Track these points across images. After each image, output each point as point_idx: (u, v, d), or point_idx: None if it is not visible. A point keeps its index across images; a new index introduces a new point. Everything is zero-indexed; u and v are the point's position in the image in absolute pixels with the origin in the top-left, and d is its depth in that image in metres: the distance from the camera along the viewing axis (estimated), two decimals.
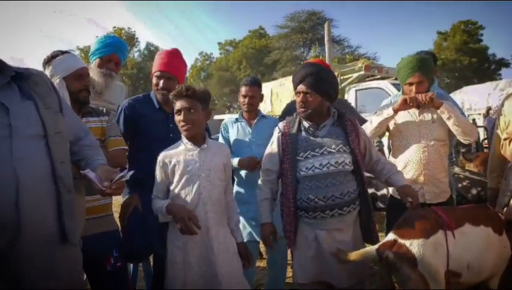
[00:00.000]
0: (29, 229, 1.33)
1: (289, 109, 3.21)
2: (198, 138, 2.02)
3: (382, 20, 65.61)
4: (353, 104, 6.94)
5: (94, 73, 2.65)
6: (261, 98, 2.99)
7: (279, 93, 9.03)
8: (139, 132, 2.46)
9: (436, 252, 1.84)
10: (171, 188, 2.00)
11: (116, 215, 2.26)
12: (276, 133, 2.24)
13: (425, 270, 1.81)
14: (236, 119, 2.97)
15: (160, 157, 2.02)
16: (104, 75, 2.66)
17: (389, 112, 2.46)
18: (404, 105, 2.40)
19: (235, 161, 2.69)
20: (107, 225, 2.10)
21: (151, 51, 38.04)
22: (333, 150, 2.06)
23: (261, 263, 3.77)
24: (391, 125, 2.56)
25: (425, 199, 2.39)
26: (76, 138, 1.65)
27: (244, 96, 2.88)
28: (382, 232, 3.22)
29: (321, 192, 2.03)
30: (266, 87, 8.45)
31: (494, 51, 33.18)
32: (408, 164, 2.45)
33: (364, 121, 2.87)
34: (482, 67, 31.05)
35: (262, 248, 3.55)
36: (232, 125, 2.96)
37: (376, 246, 1.95)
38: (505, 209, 2.23)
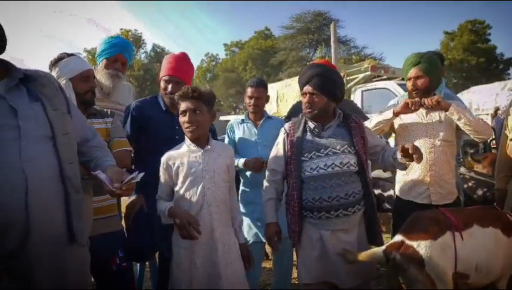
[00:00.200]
0: (38, 229, 1.35)
1: (295, 110, 3.20)
2: (202, 139, 2.03)
3: (388, 20, 65.33)
4: (359, 105, 6.92)
5: (101, 74, 2.67)
6: (267, 99, 2.99)
7: (285, 94, 9.02)
8: (145, 133, 2.48)
9: (444, 254, 1.83)
10: (176, 189, 2.01)
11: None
12: (281, 134, 2.25)
13: (433, 272, 1.80)
14: (242, 120, 2.97)
15: (164, 158, 2.03)
16: (111, 75, 2.68)
17: (389, 114, 2.45)
18: (406, 109, 2.39)
19: (241, 162, 2.70)
20: (112, 225, 2.11)
21: (157, 52, 38.21)
22: (338, 151, 2.07)
23: (267, 264, 3.77)
24: (397, 125, 2.55)
25: (431, 200, 2.37)
26: (84, 139, 1.67)
27: (250, 98, 2.88)
28: (389, 233, 3.21)
29: (326, 192, 2.04)
30: (272, 88, 8.44)
31: (502, 50, 32.84)
32: (414, 164, 2.43)
33: None
34: (490, 67, 30.74)
35: (268, 248, 3.55)
36: (238, 126, 2.96)
37: (383, 247, 1.95)
38: None
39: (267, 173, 2.29)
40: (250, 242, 2.69)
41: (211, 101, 2.04)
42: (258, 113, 2.92)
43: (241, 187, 2.88)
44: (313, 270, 2.11)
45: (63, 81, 2.02)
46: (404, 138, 2.51)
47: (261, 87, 2.90)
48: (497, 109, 10.69)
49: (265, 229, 2.22)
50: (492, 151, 6.39)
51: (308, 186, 2.09)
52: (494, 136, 6.93)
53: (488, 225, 1.99)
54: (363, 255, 1.96)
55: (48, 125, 1.43)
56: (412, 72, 2.43)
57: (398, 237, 1.92)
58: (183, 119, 1.98)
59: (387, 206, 3.42)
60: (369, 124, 2.52)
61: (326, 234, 2.07)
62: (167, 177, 2.02)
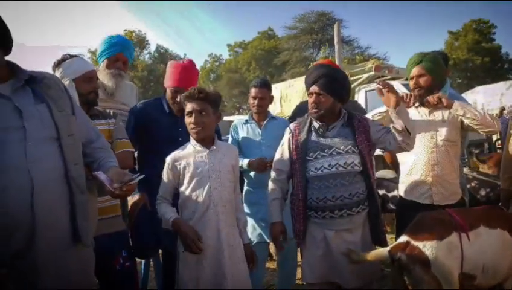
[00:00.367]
0: (43, 230, 1.35)
1: (299, 110, 3.19)
2: (208, 140, 2.03)
3: (392, 20, 65.14)
4: (363, 105, 6.90)
5: (103, 75, 2.67)
6: (270, 99, 2.99)
7: (288, 95, 9.01)
8: (149, 135, 2.49)
9: (450, 254, 1.82)
10: (182, 190, 2.01)
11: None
12: (287, 134, 2.26)
13: (439, 273, 1.79)
14: (246, 120, 2.97)
15: (169, 159, 2.03)
16: (114, 75, 2.68)
17: (384, 107, 2.45)
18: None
19: (245, 162, 2.70)
20: (115, 225, 2.12)
21: (161, 53, 38.32)
22: (342, 151, 2.07)
23: (271, 265, 3.77)
24: None
25: (434, 200, 2.36)
26: (88, 140, 1.67)
27: (254, 98, 2.88)
28: (393, 234, 3.20)
29: (330, 192, 2.05)
30: (276, 89, 8.43)
31: (507, 50, 32.56)
32: (416, 164, 2.42)
33: None
34: (494, 67, 30.55)
35: (272, 249, 3.55)
36: (241, 127, 2.96)
37: (388, 248, 1.94)
38: None
39: (272, 172, 2.30)
40: (254, 243, 2.68)
41: (217, 103, 2.05)
42: (262, 114, 2.92)
43: (245, 188, 2.88)
44: (316, 269, 2.12)
45: (66, 82, 2.03)
46: None
47: (265, 87, 2.90)
48: (502, 109, 10.64)
49: (270, 228, 2.23)
50: (498, 151, 6.36)
51: (312, 186, 2.10)
52: (499, 136, 6.90)
53: (495, 226, 1.97)
54: (367, 256, 1.96)
55: (53, 126, 1.44)
56: (415, 70, 2.43)
57: (404, 238, 1.91)
58: (189, 120, 1.98)
59: (392, 206, 3.41)
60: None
61: (330, 233, 2.08)
62: (171, 177, 2.02)
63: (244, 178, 2.86)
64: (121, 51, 2.76)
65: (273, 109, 8.48)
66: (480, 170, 4.28)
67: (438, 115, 2.41)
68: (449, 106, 2.29)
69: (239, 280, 1.98)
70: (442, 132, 2.37)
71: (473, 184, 3.34)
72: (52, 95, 1.50)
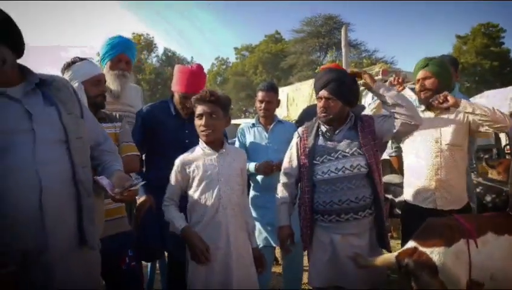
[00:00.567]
0: (53, 231, 1.37)
1: (306, 114, 3.19)
2: (217, 143, 2.04)
3: (400, 24, 64.92)
4: None
5: (108, 77, 2.69)
6: (277, 103, 2.99)
7: (295, 98, 8.99)
8: (156, 137, 2.51)
9: (458, 261, 1.80)
10: (190, 192, 2.01)
11: None
12: (295, 138, 2.28)
13: (447, 279, 1.77)
14: (253, 124, 2.98)
15: (178, 161, 2.04)
16: (118, 76, 2.70)
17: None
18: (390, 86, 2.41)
19: (251, 166, 2.70)
20: (121, 226, 2.13)
21: (168, 56, 38.58)
22: (347, 154, 2.07)
23: (277, 269, 3.75)
24: None
25: (437, 205, 2.34)
26: (96, 143, 1.68)
27: (261, 102, 2.88)
28: (399, 239, 3.17)
29: (336, 196, 2.05)
30: (282, 92, 8.42)
31: None
32: (420, 168, 2.41)
33: None
34: (503, 71, 30.23)
35: (278, 253, 3.54)
36: (248, 130, 2.97)
37: (396, 253, 1.93)
38: None
39: (281, 176, 2.31)
40: (260, 246, 2.68)
41: (227, 106, 2.06)
42: (269, 117, 2.93)
43: (252, 191, 2.88)
44: (323, 274, 2.12)
45: (75, 84, 2.05)
46: (410, 142, 2.49)
47: (272, 91, 2.90)
48: (511, 114, 10.53)
49: (278, 232, 2.24)
50: (506, 157, 6.28)
51: (319, 190, 2.11)
52: (508, 141, 6.81)
53: (503, 233, 1.95)
54: (374, 261, 1.95)
55: (62, 129, 1.45)
56: (421, 73, 2.44)
57: (411, 244, 1.90)
58: (199, 122, 1.99)
59: (399, 211, 3.38)
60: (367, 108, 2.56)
61: (337, 238, 2.08)
62: (180, 179, 2.03)
63: (251, 182, 2.87)
64: (122, 51, 2.76)
65: (280, 112, 8.47)
66: (489, 175, 4.23)
67: (444, 119, 2.40)
68: (456, 104, 2.25)
69: (247, 284, 1.98)
70: (448, 136, 2.35)
71: (478, 189, 3.31)
72: (62, 98, 1.52)
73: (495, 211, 2.61)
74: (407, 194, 2.50)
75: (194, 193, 2.00)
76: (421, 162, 2.41)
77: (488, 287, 1.89)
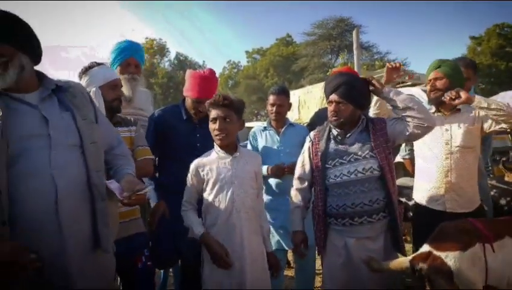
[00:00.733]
0: (69, 235, 1.40)
1: (317, 117, 3.19)
2: (231, 146, 2.05)
3: (412, 25, 64.27)
4: None
5: None
6: (289, 106, 3.00)
7: (306, 101, 8.96)
8: (167, 141, 2.53)
9: (474, 266, 1.77)
10: (205, 195, 2.03)
11: None
12: (307, 142, 2.28)
13: (462, 284, 1.74)
14: (265, 127, 2.99)
15: (193, 165, 2.06)
16: (128, 80, 2.72)
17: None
18: (391, 73, 2.42)
19: (263, 169, 2.70)
20: (136, 227, 2.16)
21: (180, 60, 38.90)
22: (359, 157, 2.06)
23: (289, 272, 3.74)
24: None
25: (446, 207, 2.33)
26: (109, 147, 1.71)
27: (272, 105, 2.89)
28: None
29: (349, 199, 2.04)
30: (294, 95, 8.39)
31: None
32: (430, 170, 2.40)
33: None
34: None
35: (290, 256, 3.53)
36: (260, 134, 2.98)
37: (410, 258, 1.90)
38: None
39: (294, 181, 2.31)
40: (273, 249, 2.68)
41: (241, 110, 2.07)
42: (280, 121, 2.93)
43: (264, 195, 2.88)
44: (337, 277, 2.11)
45: (92, 89, 2.09)
46: (421, 144, 2.47)
47: (283, 94, 2.91)
48: None
49: (291, 237, 2.23)
50: None
51: (332, 193, 2.10)
52: None
53: None
54: (388, 265, 1.93)
55: (76, 134, 1.48)
56: (432, 74, 2.44)
57: (426, 248, 1.87)
58: (213, 126, 2.01)
59: (412, 215, 3.34)
60: (372, 107, 2.55)
61: (351, 241, 2.07)
62: (195, 183, 2.05)
63: (263, 185, 2.87)
64: (131, 55, 2.78)
65: (292, 115, 8.46)
66: (506, 178, 4.15)
67: (454, 121, 2.38)
68: (469, 100, 2.20)
69: (260, 287, 1.98)
70: (458, 138, 2.33)
71: (492, 192, 3.25)
72: (77, 104, 1.55)
73: (511, 215, 2.56)
74: (417, 196, 2.50)
75: (208, 195, 2.01)
76: (431, 164, 2.40)
77: None
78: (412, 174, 3.83)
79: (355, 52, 8.52)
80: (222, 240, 1.94)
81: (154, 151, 2.42)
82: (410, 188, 3.50)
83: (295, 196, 2.27)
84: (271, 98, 2.91)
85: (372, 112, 2.53)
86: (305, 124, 3.58)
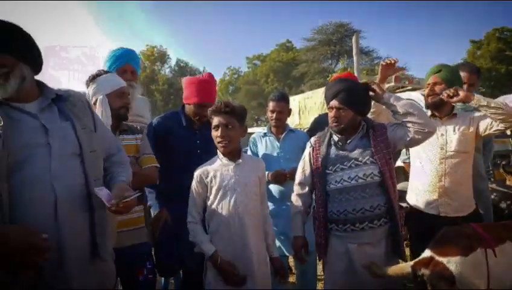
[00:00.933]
0: (67, 243, 1.40)
1: (317, 123, 3.19)
2: (234, 153, 2.05)
3: (412, 30, 64.49)
4: None
5: None
6: (289, 112, 3.00)
7: (307, 106, 8.99)
8: (168, 148, 2.53)
9: (476, 271, 1.76)
10: (208, 203, 2.03)
11: None
12: (308, 148, 2.28)
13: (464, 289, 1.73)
14: (265, 133, 2.99)
15: (197, 172, 2.06)
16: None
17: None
18: (386, 70, 2.41)
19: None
20: (141, 236, 2.16)
21: (181, 67, 39.06)
22: (360, 163, 2.06)
23: (291, 278, 3.72)
24: None
25: (440, 211, 2.34)
26: (108, 155, 1.72)
27: (272, 112, 2.90)
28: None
29: (350, 205, 2.04)
30: (294, 100, 8.43)
31: None
32: (424, 174, 2.41)
33: None
34: None
35: (291, 262, 3.51)
36: (260, 140, 2.98)
37: (411, 263, 1.89)
38: None
39: (295, 186, 2.31)
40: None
41: (243, 116, 2.07)
42: (280, 127, 2.94)
43: None
44: (339, 283, 2.10)
45: (99, 96, 2.11)
46: (416, 147, 2.46)
47: (283, 101, 2.92)
48: None
49: (292, 242, 2.23)
50: None
51: (333, 199, 2.10)
52: None
53: None
54: (390, 270, 1.92)
55: (76, 143, 1.49)
56: (431, 78, 2.44)
57: (427, 253, 1.87)
58: (215, 133, 2.01)
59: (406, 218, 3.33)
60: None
61: (352, 247, 2.06)
62: (200, 190, 2.04)
63: None
64: (126, 61, 2.77)
65: (292, 120, 8.48)
66: (508, 182, 4.13)
67: (450, 125, 2.39)
68: (468, 98, 2.20)
69: None
70: (453, 142, 2.35)
71: (492, 196, 3.24)
72: (77, 113, 1.56)
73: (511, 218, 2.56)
74: (411, 199, 2.52)
75: (211, 202, 2.02)
76: (426, 168, 2.42)
77: None
78: None
79: (354, 57, 8.54)
80: (226, 246, 1.95)
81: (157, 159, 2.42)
82: None
83: (296, 201, 2.27)
84: (271, 105, 2.92)
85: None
86: (305, 130, 3.58)
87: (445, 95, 2.25)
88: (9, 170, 1.33)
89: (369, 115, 2.32)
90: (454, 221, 2.22)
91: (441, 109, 2.41)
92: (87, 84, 2.19)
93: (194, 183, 2.06)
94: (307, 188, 2.26)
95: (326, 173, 2.12)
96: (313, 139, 2.29)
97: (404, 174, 4.71)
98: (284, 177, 2.72)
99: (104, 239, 1.53)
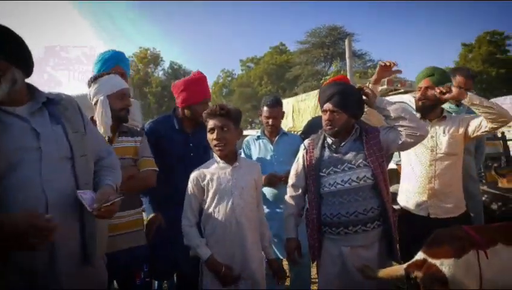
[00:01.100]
0: (58, 247, 1.39)
1: (311, 125, 3.20)
2: (231, 156, 2.05)
3: (404, 33, 65.05)
4: None
5: None
6: (282, 115, 3.01)
7: (300, 109, 9.01)
8: (160, 152, 2.51)
9: (468, 273, 1.77)
10: (205, 206, 2.02)
11: None
12: (301, 150, 2.29)
13: None
14: (258, 136, 2.99)
15: (193, 175, 2.05)
16: None
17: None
18: (382, 72, 2.41)
19: None
20: (137, 240, 2.15)
21: (174, 69, 39.00)
22: (353, 166, 2.07)
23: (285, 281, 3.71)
24: None
25: (429, 213, 2.36)
26: (98, 158, 1.70)
27: (268, 118, 2.91)
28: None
29: (344, 208, 2.05)
30: (288, 103, 8.43)
31: None
32: (414, 176, 2.43)
33: None
34: (511, 78, 30.10)
35: (285, 265, 3.51)
36: (253, 143, 2.98)
37: (404, 265, 1.90)
38: None
39: (288, 188, 2.31)
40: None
41: (238, 119, 2.07)
42: (275, 131, 2.94)
43: None
44: (333, 286, 2.10)
45: (100, 97, 2.10)
46: (406, 151, 2.46)
47: (277, 106, 2.93)
48: None
49: (285, 244, 2.23)
50: None
51: (326, 202, 2.10)
52: None
53: None
54: (383, 272, 1.93)
55: (67, 147, 1.48)
56: (424, 82, 2.44)
57: (420, 255, 1.87)
58: (211, 136, 2.01)
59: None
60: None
61: (345, 250, 2.06)
62: (196, 193, 2.04)
63: None
64: (116, 63, 2.72)
65: (285, 123, 8.48)
66: (500, 184, 4.17)
67: (440, 128, 2.41)
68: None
69: None
70: (443, 145, 2.37)
71: (484, 198, 3.27)
72: (68, 117, 1.55)
73: (503, 220, 2.58)
74: (402, 201, 2.53)
75: (208, 205, 2.01)
76: (416, 170, 2.43)
77: None
78: None
79: (347, 60, 8.58)
80: (222, 249, 1.95)
81: None
82: None
83: (289, 203, 2.27)
84: (265, 111, 2.92)
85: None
86: (299, 133, 3.59)
87: (438, 91, 2.27)
88: (1, 173, 1.32)
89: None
90: (445, 222, 2.23)
91: (431, 112, 2.43)
92: (89, 85, 2.18)
93: (190, 186, 2.05)
94: (300, 190, 2.26)
95: (320, 176, 2.12)
96: (306, 141, 2.30)
97: (397, 176, 4.73)
98: (278, 180, 2.72)
99: (94, 243, 1.52)
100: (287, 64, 34.65)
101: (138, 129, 2.33)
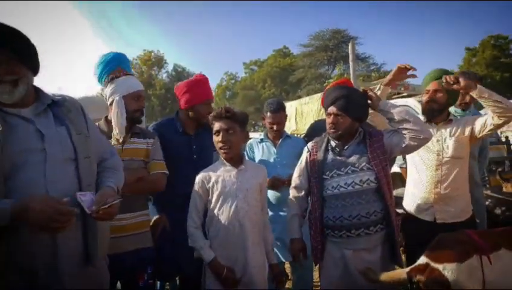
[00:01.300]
0: (61, 248, 1.40)
1: (314, 128, 3.21)
2: (236, 158, 2.05)
3: (408, 36, 65.05)
4: None
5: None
6: (285, 119, 3.02)
7: (303, 112, 9.00)
8: (164, 154, 2.52)
9: (471, 278, 1.76)
10: (209, 208, 2.03)
11: None
12: (305, 153, 2.29)
13: None
14: (262, 139, 3.00)
15: (199, 177, 2.06)
16: None
17: (380, 87, 2.45)
18: (399, 74, 2.40)
19: None
20: (144, 241, 2.15)
21: (178, 72, 39.13)
22: (357, 169, 2.07)
23: (287, 284, 3.71)
24: None
25: (436, 218, 2.33)
26: (101, 159, 1.71)
27: (272, 124, 2.91)
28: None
29: (346, 211, 2.04)
30: (291, 106, 8.43)
31: None
32: (420, 180, 2.41)
33: None
34: None
35: (287, 268, 3.50)
36: (257, 146, 2.99)
37: (407, 269, 1.89)
38: None
39: (291, 190, 2.32)
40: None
41: (244, 121, 2.08)
42: (278, 134, 2.95)
43: None
44: (335, 289, 2.09)
45: (116, 97, 2.11)
46: (412, 153, 2.44)
47: (281, 111, 2.93)
48: None
49: (289, 245, 2.23)
50: None
51: (329, 205, 2.10)
52: None
53: None
54: (385, 276, 1.92)
55: (71, 148, 1.49)
56: (433, 84, 2.40)
57: (423, 259, 1.87)
58: (217, 139, 2.01)
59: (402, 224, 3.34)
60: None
61: (348, 253, 2.06)
62: (202, 194, 2.04)
63: None
64: (118, 65, 2.71)
65: (288, 126, 8.47)
66: (504, 189, 4.15)
67: (445, 131, 2.39)
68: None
69: None
70: (449, 148, 2.34)
71: (487, 202, 3.25)
72: (72, 118, 1.57)
73: (507, 225, 2.57)
74: (407, 205, 2.50)
75: (212, 207, 2.01)
76: (422, 174, 2.41)
77: None
78: None
79: (351, 64, 8.56)
80: (225, 252, 1.95)
81: None
82: None
83: (292, 204, 2.27)
84: (270, 116, 2.92)
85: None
86: (302, 135, 3.60)
87: (445, 82, 2.24)
88: (6, 174, 1.33)
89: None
90: (452, 227, 2.20)
91: (438, 116, 2.41)
92: (105, 85, 2.20)
93: (195, 188, 2.06)
94: (303, 192, 2.27)
95: (323, 179, 2.12)
96: (310, 144, 2.30)
97: (401, 180, 4.72)
98: (281, 184, 2.72)
99: (96, 243, 1.53)
100: (291, 67, 34.70)
101: (152, 131, 2.34)
